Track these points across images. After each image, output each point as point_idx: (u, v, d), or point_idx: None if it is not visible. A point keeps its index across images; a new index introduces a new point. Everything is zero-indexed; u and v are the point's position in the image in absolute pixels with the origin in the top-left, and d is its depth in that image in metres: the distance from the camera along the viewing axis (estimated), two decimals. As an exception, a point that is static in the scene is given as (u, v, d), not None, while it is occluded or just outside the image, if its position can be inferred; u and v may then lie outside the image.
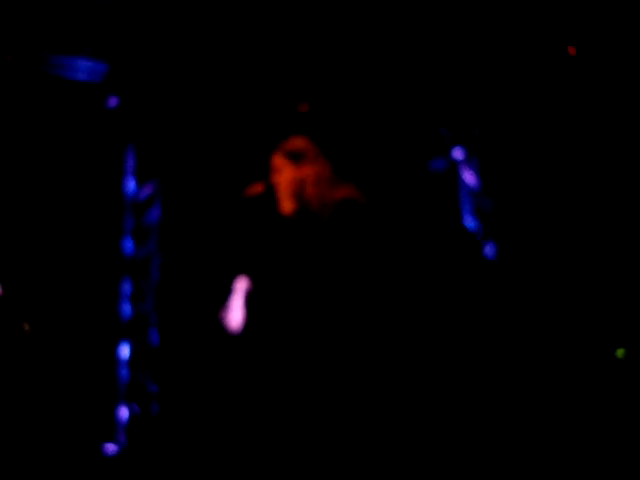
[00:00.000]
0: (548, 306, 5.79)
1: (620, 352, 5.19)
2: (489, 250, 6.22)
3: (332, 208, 3.01)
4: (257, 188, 3.15)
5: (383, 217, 5.83)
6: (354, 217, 3.02)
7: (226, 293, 3.15)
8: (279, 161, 3.14)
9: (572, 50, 5.42)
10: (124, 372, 5.25)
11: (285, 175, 3.12)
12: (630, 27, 5.13)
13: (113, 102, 5.39)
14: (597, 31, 5.33)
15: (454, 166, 6.38)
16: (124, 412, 5.19)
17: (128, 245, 5.40)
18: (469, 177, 6.36)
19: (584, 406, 5.03)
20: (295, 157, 3.13)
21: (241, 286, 3.19)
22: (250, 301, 3.10)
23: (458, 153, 6.34)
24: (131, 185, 5.49)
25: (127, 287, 5.37)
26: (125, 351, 5.28)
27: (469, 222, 6.30)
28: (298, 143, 3.17)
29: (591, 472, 3.79)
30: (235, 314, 3.17)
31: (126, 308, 5.34)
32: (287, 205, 3.13)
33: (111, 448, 5.06)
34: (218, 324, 3.14)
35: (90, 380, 5.14)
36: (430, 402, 5.55)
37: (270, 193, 3.16)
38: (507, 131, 6.13)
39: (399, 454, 4.39)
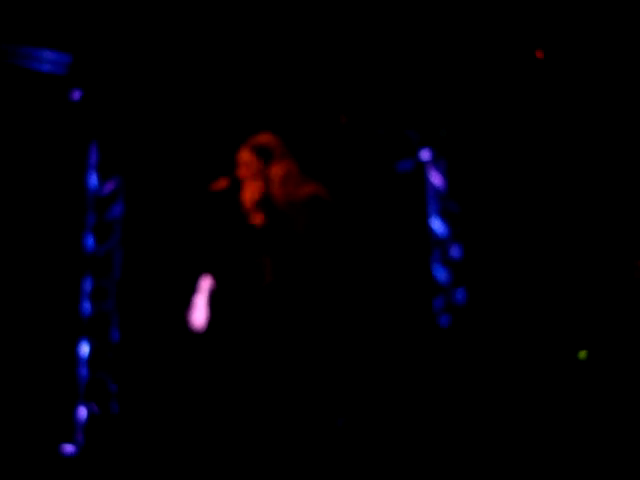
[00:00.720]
0: (515, 306, 5.83)
1: (582, 354, 5.23)
2: (455, 251, 6.24)
3: (299, 205, 2.96)
4: (222, 183, 3.09)
5: (350, 216, 5.82)
6: (320, 214, 2.97)
7: (190, 291, 3.09)
8: (246, 156, 3.09)
9: (539, 54, 5.45)
10: (84, 370, 5.16)
11: (251, 170, 3.07)
12: (597, 30, 5.18)
13: (77, 95, 5.29)
14: (562, 34, 5.37)
15: (421, 167, 6.39)
16: (83, 411, 5.10)
17: (89, 241, 5.31)
18: (436, 178, 6.37)
19: (552, 410, 5.06)
20: (262, 153, 3.08)
21: (205, 284, 3.13)
22: (214, 300, 3.04)
23: (425, 154, 6.35)
24: (93, 180, 5.39)
25: (88, 284, 5.27)
26: (85, 349, 5.18)
27: (435, 223, 6.31)
28: (266, 139, 3.12)
29: None
30: (199, 313, 3.10)
31: (86, 305, 5.24)
32: (252, 202, 3.08)
33: (69, 448, 4.97)
34: (181, 322, 3.08)
35: (49, 378, 5.04)
36: (396, 402, 5.55)
37: (235, 188, 3.10)
38: (474, 132, 6.15)
39: (364, 455, 4.37)
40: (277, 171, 3.07)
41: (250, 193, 3.08)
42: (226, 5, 5.07)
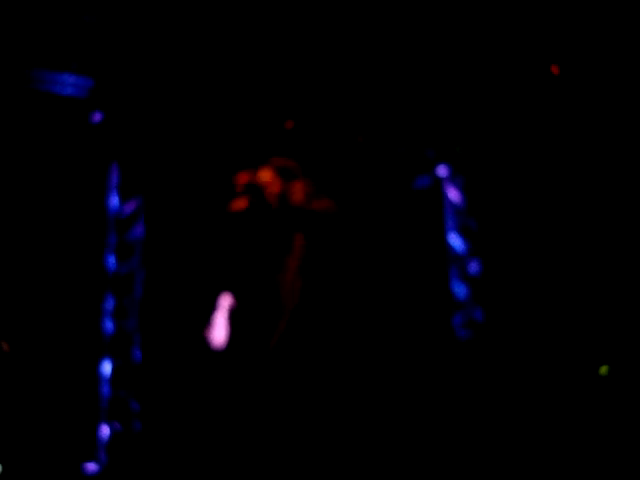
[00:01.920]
0: (532, 321, 5.81)
1: (604, 369, 5.21)
2: (474, 267, 6.23)
3: (314, 220, 3.01)
4: (240, 204, 3.14)
5: (369, 232, 5.84)
6: (333, 231, 3.03)
7: (210, 310, 3.13)
8: (267, 176, 3.14)
9: (555, 69, 5.47)
10: (106, 389, 5.20)
11: (273, 190, 3.12)
12: (611, 48, 5.19)
13: (98, 117, 5.37)
14: (579, 51, 5.38)
15: (438, 183, 6.40)
16: (105, 430, 5.13)
17: (111, 261, 5.37)
18: (453, 194, 6.38)
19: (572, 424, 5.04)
20: (284, 174, 3.13)
21: (225, 303, 3.17)
22: (234, 318, 3.08)
23: (442, 171, 6.37)
24: (115, 201, 5.46)
25: (110, 303, 5.32)
26: (107, 368, 5.23)
27: (453, 239, 6.31)
28: (286, 161, 3.17)
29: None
30: (219, 331, 3.14)
31: (109, 325, 5.29)
32: (271, 218, 3.12)
33: (92, 467, 5.00)
34: (202, 341, 3.12)
35: (72, 397, 5.08)
36: (417, 418, 5.55)
37: (254, 209, 3.15)
38: (491, 148, 6.16)
39: (385, 469, 4.37)
40: (296, 190, 3.12)
41: (270, 212, 3.12)
42: (242, 28, 5.14)
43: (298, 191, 3.13)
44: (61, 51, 5.12)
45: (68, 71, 5.21)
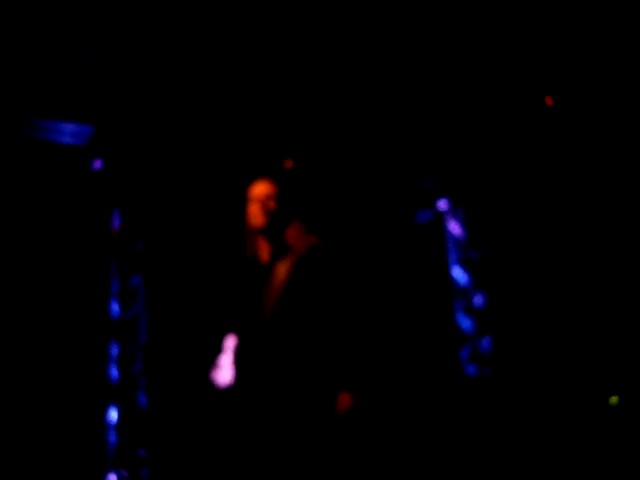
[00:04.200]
0: (542, 353, 5.77)
1: (614, 399, 5.16)
2: (479, 299, 6.22)
3: (302, 257, 3.01)
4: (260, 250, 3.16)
5: (369, 267, 5.83)
6: (333, 266, 3.02)
7: (215, 352, 3.11)
8: (255, 212, 3.14)
9: (549, 101, 5.51)
10: (113, 436, 5.15)
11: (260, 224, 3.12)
12: (608, 77, 5.23)
13: (98, 165, 5.41)
14: (574, 83, 5.43)
15: (440, 217, 6.42)
16: (113, 478, 5.07)
17: (114, 307, 5.36)
18: (455, 227, 6.39)
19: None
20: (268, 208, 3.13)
21: (230, 344, 3.14)
22: (240, 360, 3.05)
23: (443, 204, 6.39)
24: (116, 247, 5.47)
25: (114, 350, 5.30)
26: (114, 415, 5.19)
27: (457, 272, 6.30)
28: (267, 191, 3.17)
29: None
30: (224, 373, 3.11)
31: (114, 371, 5.26)
32: (265, 255, 3.12)
33: (100, 516, 4.94)
34: (208, 385, 3.09)
35: (78, 445, 5.03)
36: (424, 452, 5.48)
37: (255, 251, 3.15)
38: (490, 181, 6.18)
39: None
40: (293, 230, 3.12)
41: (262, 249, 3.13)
42: (237, 72, 5.18)
43: (292, 232, 3.13)
44: (60, 99, 5.17)
45: (68, 119, 5.25)
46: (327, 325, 2.91)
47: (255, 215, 3.10)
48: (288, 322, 2.91)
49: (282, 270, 3.01)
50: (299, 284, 2.95)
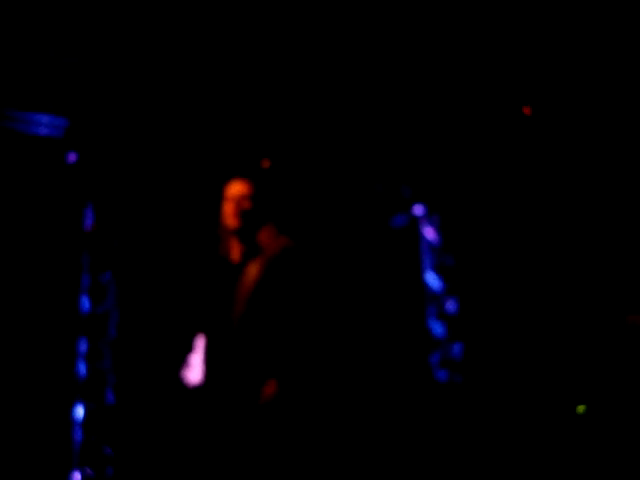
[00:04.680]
0: (512, 361, 5.80)
1: (581, 408, 5.20)
2: (451, 305, 6.24)
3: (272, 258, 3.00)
4: (224, 247, 3.14)
5: (342, 271, 5.83)
6: (304, 269, 3.01)
7: (186, 351, 3.08)
8: (230, 211, 3.13)
9: (527, 110, 5.55)
10: (78, 434, 5.09)
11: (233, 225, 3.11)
12: (587, 87, 5.28)
13: (72, 158, 5.35)
14: (551, 91, 5.47)
15: (415, 222, 6.44)
16: (77, 476, 5.01)
17: (85, 303, 5.30)
18: (429, 233, 6.41)
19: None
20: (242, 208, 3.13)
21: (201, 343, 3.12)
22: (209, 359, 3.03)
23: (419, 209, 6.40)
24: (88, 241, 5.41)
25: (83, 345, 5.24)
26: (80, 412, 5.13)
27: (430, 277, 6.32)
28: (242, 191, 3.16)
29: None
30: (194, 372, 3.09)
31: (82, 367, 5.21)
32: (236, 256, 3.11)
33: (63, 514, 4.88)
34: (177, 383, 3.07)
35: (43, 442, 4.97)
36: (394, 459, 5.49)
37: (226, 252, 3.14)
38: (466, 186, 6.21)
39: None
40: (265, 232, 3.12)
41: (234, 250, 3.12)
42: (215, 67, 5.16)
43: (264, 234, 3.13)
44: (36, 90, 5.11)
45: (43, 111, 5.19)
46: (296, 327, 2.90)
47: (229, 215, 3.08)
48: (256, 323, 2.90)
49: (253, 271, 3.00)
50: (269, 286, 2.94)
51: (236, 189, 3.11)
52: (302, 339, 2.92)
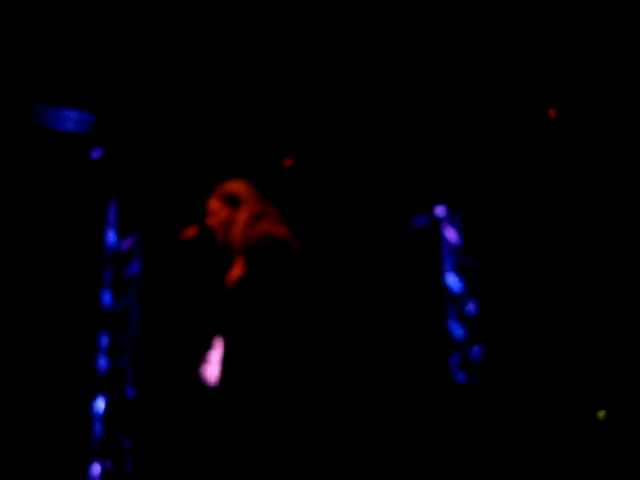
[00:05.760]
0: (532, 364, 5.77)
1: (601, 413, 5.16)
2: (471, 307, 6.22)
3: (251, 245, 2.90)
4: (191, 231, 3.09)
5: (363, 270, 5.83)
6: (271, 252, 2.90)
7: (205, 347, 3.10)
8: (214, 204, 3.10)
9: (552, 112, 5.52)
10: (98, 427, 5.15)
11: (219, 218, 3.08)
12: (610, 89, 5.24)
13: (97, 153, 5.40)
14: (576, 94, 5.43)
15: (436, 223, 6.42)
16: (97, 468, 5.07)
17: (107, 297, 5.35)
18: (451, 234, 6.39)
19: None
20: (230, 200, 3.10)
21: (220, 340, 3.14)
22: (228, 356, 3.05)
23: (440, 210, 6.39)
24: (112, 236, 5.46)
25: (104, 340, 5.29)
26: (100, 405, 5.18)
27: (451, 278, 6.31)
28: (234, 187, 3.14)
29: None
30: (213, 369, 3.11)
31: (102, 361, 5.26)
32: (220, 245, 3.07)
33: (82, 506, 4.93)
34: (196, 379, 3.08)
35: (64, 434, 5.03)
36: (413, 461, 5.48)
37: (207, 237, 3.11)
38: (488, 188, 6.19)
39: None
40: (241, 215, 3.08)
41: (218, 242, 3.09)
42: (240, 66, 5.18)
43: (243, 215, 3.07)
44: (63, 86, 5.16)
45: (69, 107, 5.24)
46: (321, 329, 2.90)
47: (215, 210, 3.08)
48: (264, 325, 2.88)
49: (236, 269, 2.96)
50: (249, 285, 2.85)
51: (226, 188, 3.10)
52: (334, 342, 2.90)
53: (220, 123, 5.50)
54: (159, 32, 4.83)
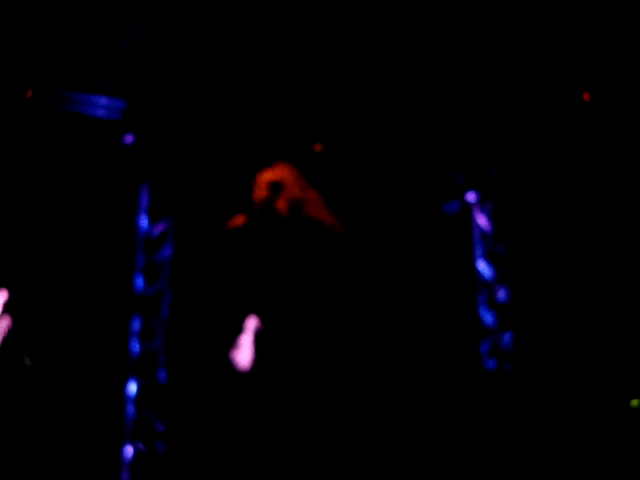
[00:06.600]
0: (563, 351, 5.73)
1: (635, 402, 5.12)
2: (502, 294, 6.18)
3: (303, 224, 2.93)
4: (238, 220, 3.12)
5: (394, 256, 5.82)
6: (360, 254, 2.96)
7: (236, 332, 3.12)
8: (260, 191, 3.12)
9: (587, 96, 5.44)
10: (131, 409, 5.21)
11: (265, 203, 3.10)
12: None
13: (129, 139, 5.44)
14: (610, 77, 5.35)
15: (467, 209, 6.38)
16: (129, 450, 5.13)
17: (139, 282, 5.40)
18: (482, 220, 6.34)
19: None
20: (274, 187, 3.12)
21: (251, 325, 3.16)
22: (260, 340, 3.08)
23: (471, 196, 6.34)
24: (144, 221, 5.51)
25: (137, 324, 5.35)
26: (133, 388, 5.24)
27: (482, 265, 6.27)
28: (278, 174, 3.16)
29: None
30: (244, 353, 3.14)
31: (135, 345, 5.31)
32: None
33: (115, 487, 5.00)
34: (227, 363, 3.11)
35: (97, 417, 5.10)
36: (443, 446, 5.49)
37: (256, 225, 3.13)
38: (520, 174, 6.13)
39: None
40: (283, 201, 3.10)
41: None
42: (268, 53, 5.18)
43: (286, 200, 3.10)
44: (94, 73, 5.20)
45: (102, 93, 5.28)
46: (349, 314, 2.91)
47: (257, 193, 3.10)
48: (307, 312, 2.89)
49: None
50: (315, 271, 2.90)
51: (270, 175, 3.11)
52: (365, 328, 2.92)
53: (252, 108, 5.51)
54: (191, 17, 4.84)
